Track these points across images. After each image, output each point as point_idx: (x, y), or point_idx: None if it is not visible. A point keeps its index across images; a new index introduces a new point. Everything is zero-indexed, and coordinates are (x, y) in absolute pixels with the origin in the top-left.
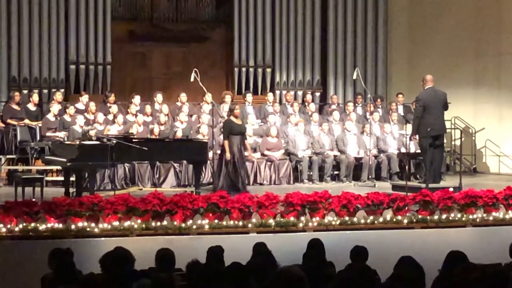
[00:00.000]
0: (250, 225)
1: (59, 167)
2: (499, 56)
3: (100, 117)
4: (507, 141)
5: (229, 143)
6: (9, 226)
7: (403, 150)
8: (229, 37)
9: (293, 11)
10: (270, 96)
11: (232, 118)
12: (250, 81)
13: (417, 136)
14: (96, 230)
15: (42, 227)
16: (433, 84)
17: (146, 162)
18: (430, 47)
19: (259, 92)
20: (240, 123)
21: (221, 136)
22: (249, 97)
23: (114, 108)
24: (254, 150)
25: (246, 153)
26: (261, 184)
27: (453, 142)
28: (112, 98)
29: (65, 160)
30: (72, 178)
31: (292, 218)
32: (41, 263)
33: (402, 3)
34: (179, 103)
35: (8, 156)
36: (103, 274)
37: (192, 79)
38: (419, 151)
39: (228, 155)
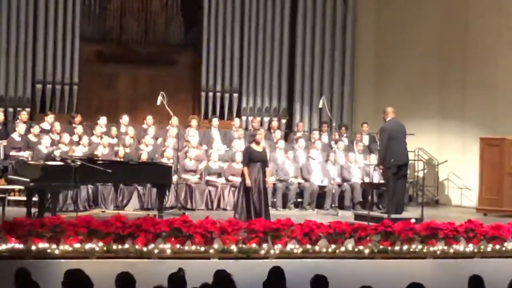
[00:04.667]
0: (212, 251)
1: (21, 187)
2: (463, 88)
3: (65, 137)
4: (469, 173)
5: (249, 170)
6: None
7: (366, 179)
8: (197, 61)
9: (262, 38)
10: (236, 121)
11: (252, 144)
12: (217, 106)
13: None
14: (56, 251)
15: (2, 247)
16: (395, 116)
17: (109, 184)
18: (395, 77)
19: (225, 117)
20: (261, 150)
21: (187, 161)
22: (215, 121)
23: (79, 129)
24: (219, 175)
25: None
26: (224, 209)
27: (416, 173)
28: (78, 118)
29: (28, 180)
30: (35, 199)
31: (254, 245)
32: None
33: (369, 33)
34: (145, 126)
35: None
36: None
37: (158, 102)
38: (382, 181)
39: (248, 182)
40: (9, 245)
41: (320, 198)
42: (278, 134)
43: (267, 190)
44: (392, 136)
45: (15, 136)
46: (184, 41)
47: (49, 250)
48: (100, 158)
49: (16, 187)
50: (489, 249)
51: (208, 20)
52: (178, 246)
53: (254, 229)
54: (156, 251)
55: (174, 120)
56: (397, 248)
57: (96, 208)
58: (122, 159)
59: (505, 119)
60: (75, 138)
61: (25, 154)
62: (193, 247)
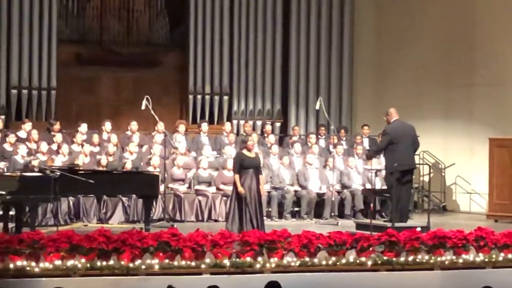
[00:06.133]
0: (203, 266)
1: None
2: (470, 86)
3: (43, 146)
4: (478, 177)
5: (241, 178)
6: None
7: (368, 186)
8: (184, 62)
9: (253, 36)
10: (227, 126)
11: (244, 151)
12: (206, 110)
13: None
14: (36, 269)
15: None
16: (399, 117)
17: (92, 195)
18: (398, 76)
19: (215, 122)
20: (253, 156)
21: (174, 169)
22: (205, 126)
23: (58, 137)
24: (209, 184)
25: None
26: (216, 220)
27: (421, 178)
28: (56, 126)
29: (4, 193)
30: (12, 212)
31: (248, 259)
32: None
33: (369, 29)
34: (129, 132)
35: None
36: None
37: (143, 107)
38: (385, 187)
39: (241, 190)
40: None
41: (318, 207)
42: (272, 138)
43: (262, 199)
44: (396, 140)
45: None
46: (169, 41)
47: (28, 268)
48: (81, 168)
49: None
50: (501, 258)
51: (195, 17)
52: (167, 261)
53: (248, 242)
54: (143, 267)
55: (160, 125)
56: (402, 259)
57: (78, 221)
58: (105, 169)
59: None
60: (54, 147)
61: (1, 165)
62: (183, 262)
